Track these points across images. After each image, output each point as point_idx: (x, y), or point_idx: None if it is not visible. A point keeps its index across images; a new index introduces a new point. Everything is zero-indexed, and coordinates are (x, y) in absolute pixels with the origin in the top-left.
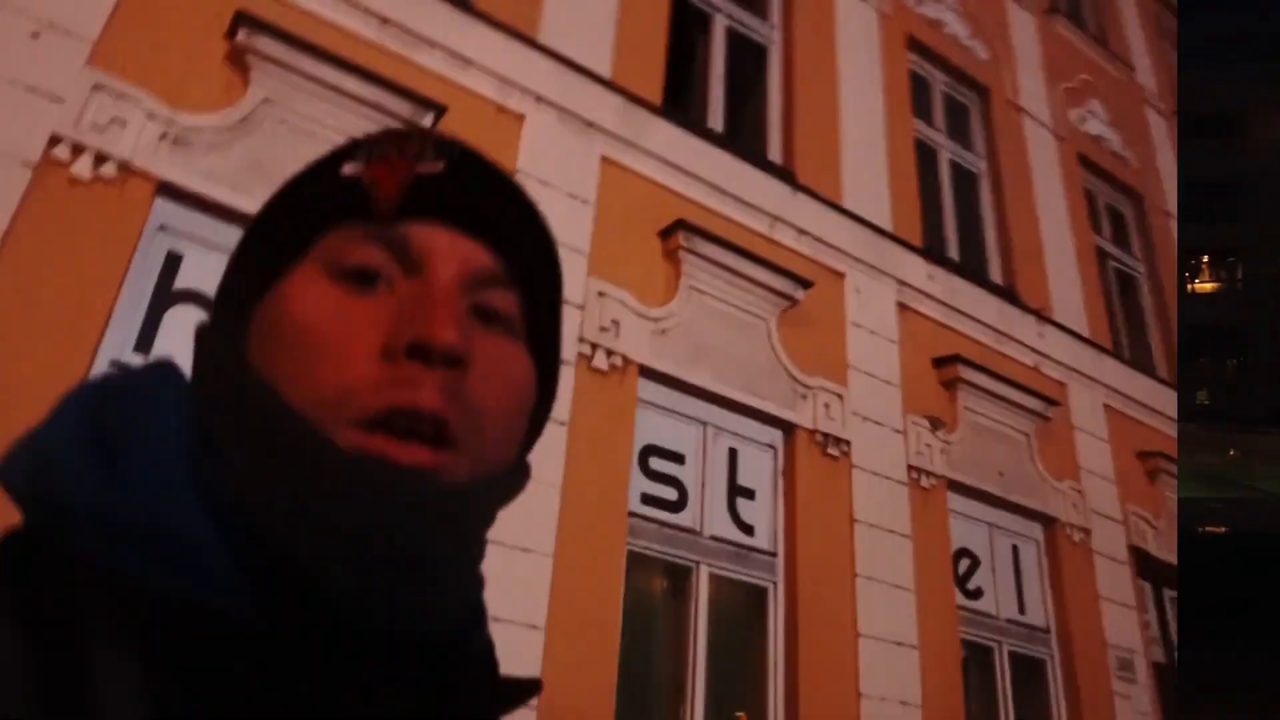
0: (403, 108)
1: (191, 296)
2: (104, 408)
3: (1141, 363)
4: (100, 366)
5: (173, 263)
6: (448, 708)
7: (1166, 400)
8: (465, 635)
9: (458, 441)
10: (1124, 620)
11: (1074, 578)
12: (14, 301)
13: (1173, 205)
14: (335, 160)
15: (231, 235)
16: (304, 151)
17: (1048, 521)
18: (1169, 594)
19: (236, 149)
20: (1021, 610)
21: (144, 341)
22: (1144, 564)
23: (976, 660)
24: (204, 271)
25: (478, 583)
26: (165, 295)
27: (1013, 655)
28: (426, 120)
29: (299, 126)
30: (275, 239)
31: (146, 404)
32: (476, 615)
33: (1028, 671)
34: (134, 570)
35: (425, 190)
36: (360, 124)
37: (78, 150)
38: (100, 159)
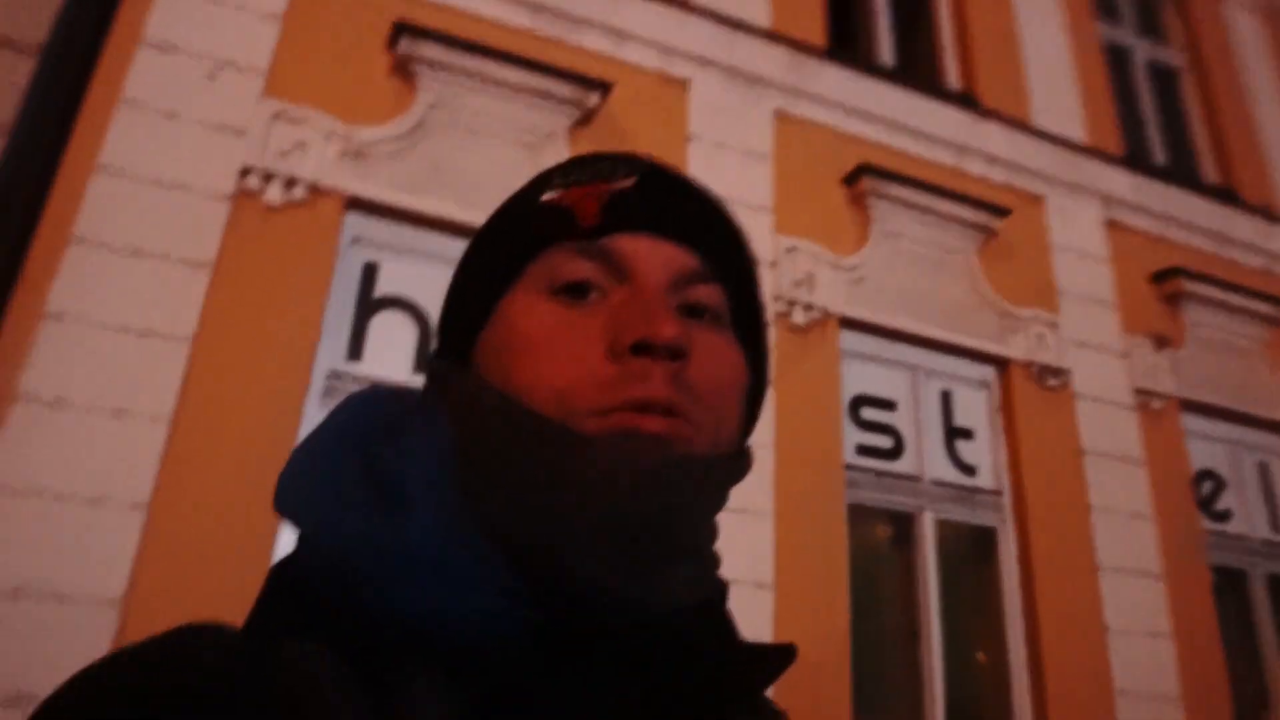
0: (567, 91)
1: (392, 302)
2: (374, 449)
3: None
4: (319, 377)
5: (370, 272)
6: (718, 683)
7: None
8: (718, 610)
9: (690, 419)
10: None
11: None
12: (234, 326)
13: None
14: (535, 190)
15: (420, 238)
16: (477, 147)
17: None
18: None
19: (413, 154)
20: (1276, 529)
21: (355, 349)
22: None
23: (1230, 585)
24: (400, 277)
25: (715, 561)
26: (367, 303)
27: (1270, 577)
28: (593, 99)
29: (469, 124)
30: (491, 269)
31: (417, 442)
32: (722, 593)
33: None
34: (422, 605)
35: (622, 205)
36: (527, 113)
37: (267, 177)
38: (290, 183)
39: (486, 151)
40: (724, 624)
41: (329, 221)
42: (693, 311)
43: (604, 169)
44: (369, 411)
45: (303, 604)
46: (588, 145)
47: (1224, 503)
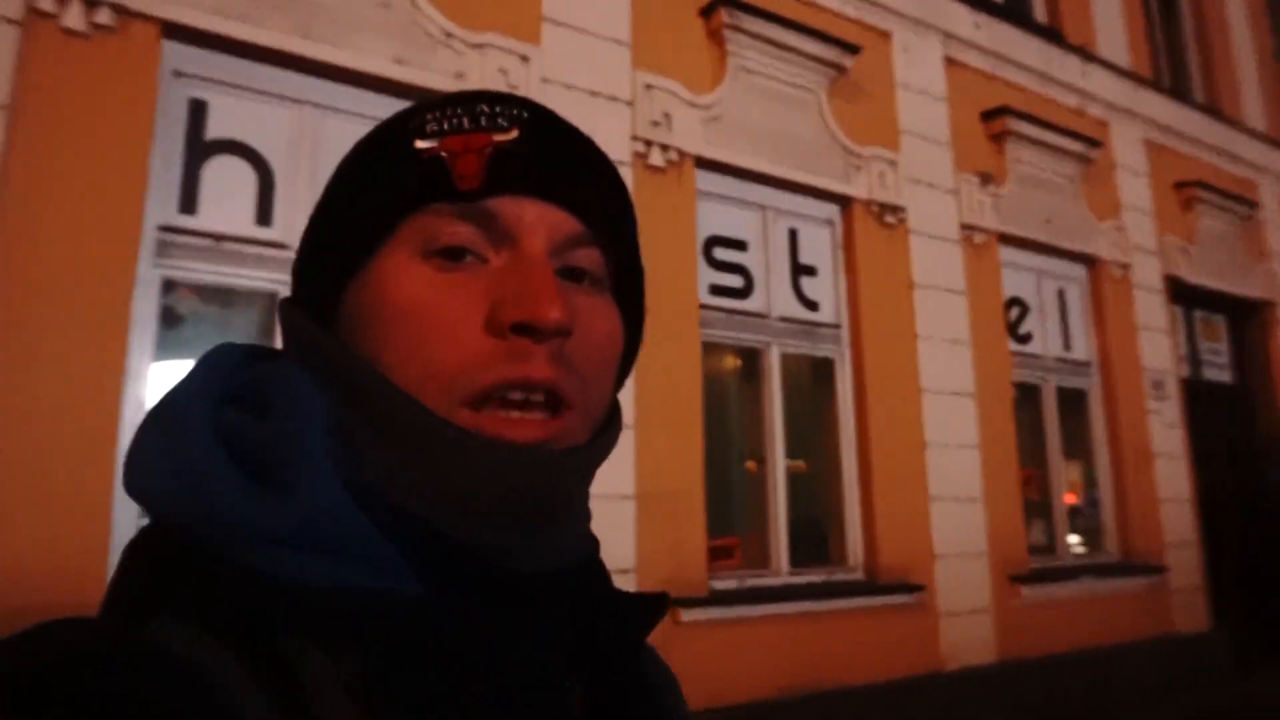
0: None
1: (228, 146)
2: (240, 418)
3: (1180, 89)
4: (149, 231)
5: (198, 111)
6: (598, 631)
7: (1203, 126)
8: (591, 561)
9: (570, 403)
10: (1157, 345)
11: (1114, 312)
12: (43, 177)
13: None
14: (407, 132)
15: (255, 73)
16: None
17: (1091, 262)
18: (1198, 314)
19: None
20: (1067, 348)
21: (188, 200)
22: (1177, 289)
23: (1026, 398)
24: (235, 117)
25: (587, 516)
26: (199, 148)
27: (1059, 390)
28: None
29: None
30: (359, 220)
31: (285, 411)
32: (594, 543)
33: (1072, 402)
34: (306, 574)
35: (506, 163)
36: None
37: None
38: (91, 3)
39: None
40: (600, 578)
41: (144, 51)
42: (572, 274)
43: (483, 115)
44: (225, 377)
45: (171, 586)
46: None
47: (1026, 326)
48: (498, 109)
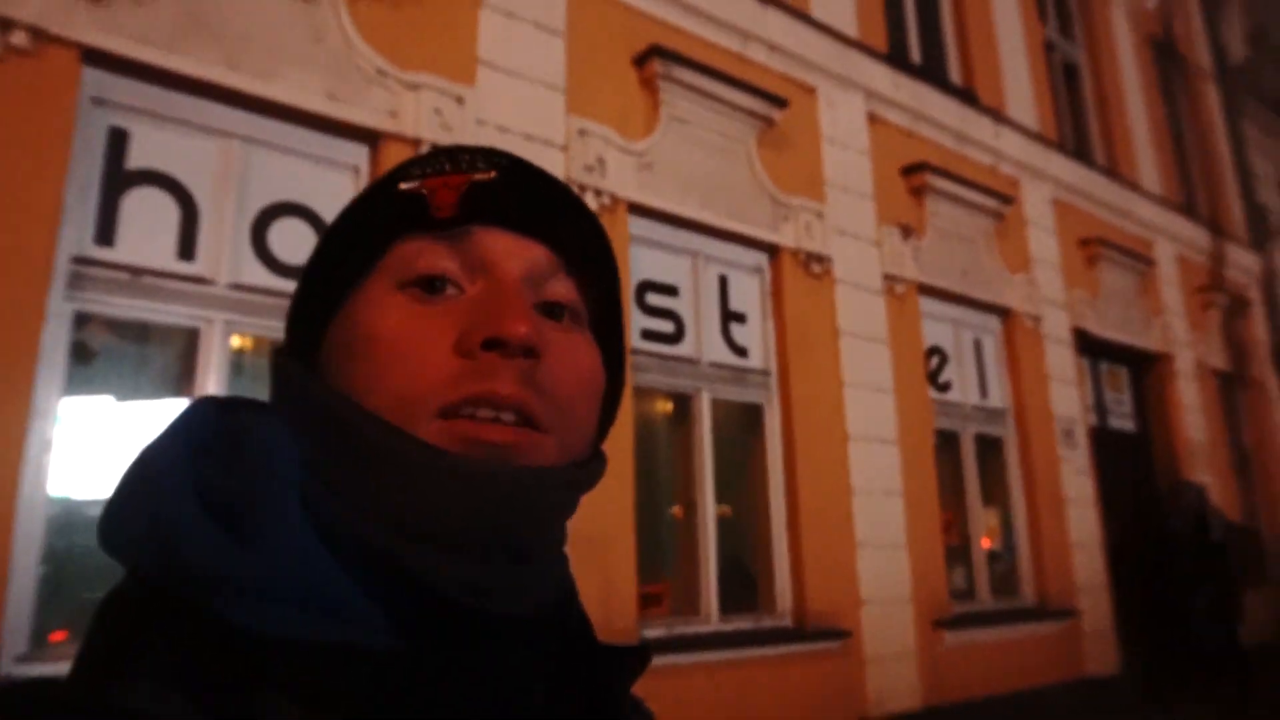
0: None
1: (149, 177)
2: (213, 470)
3: (1083, 152)
4: (62, 263)
5: (118, 140)
6: (572, 681)
7: (1104, 187)
8: (564, 611)
9: (541, 423)
10: (1067, 394)
11: (1027, 361)
12: None
13: None
14: (392, 179)
15: (180, 103)
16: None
17: (1004, 313)
18: (1103, 365)
19: (164, 2)
20: (983, 395)
21: (105, 231)
22: (1084, 341)
23: (946, 445)
24: (158, 148)
25: (564, 561)
26: (118, 177)
27: (977, 436)
28: None
29: None
30: (339, 259)
31: (258, 460)
32: (571, 593)
33: (989, 449)
34: (276, 627)
35: (481, 197)
36: None
37: None
38: (5, 24)
39: (252, 1)
40: (578, 623)
41: (63, 77)
42: (550, 310)
43: (464, 160)
44: (199, 429)
45: (143, 644)
46: (371, 4)
47: (946, 375)
48: (479, 157)
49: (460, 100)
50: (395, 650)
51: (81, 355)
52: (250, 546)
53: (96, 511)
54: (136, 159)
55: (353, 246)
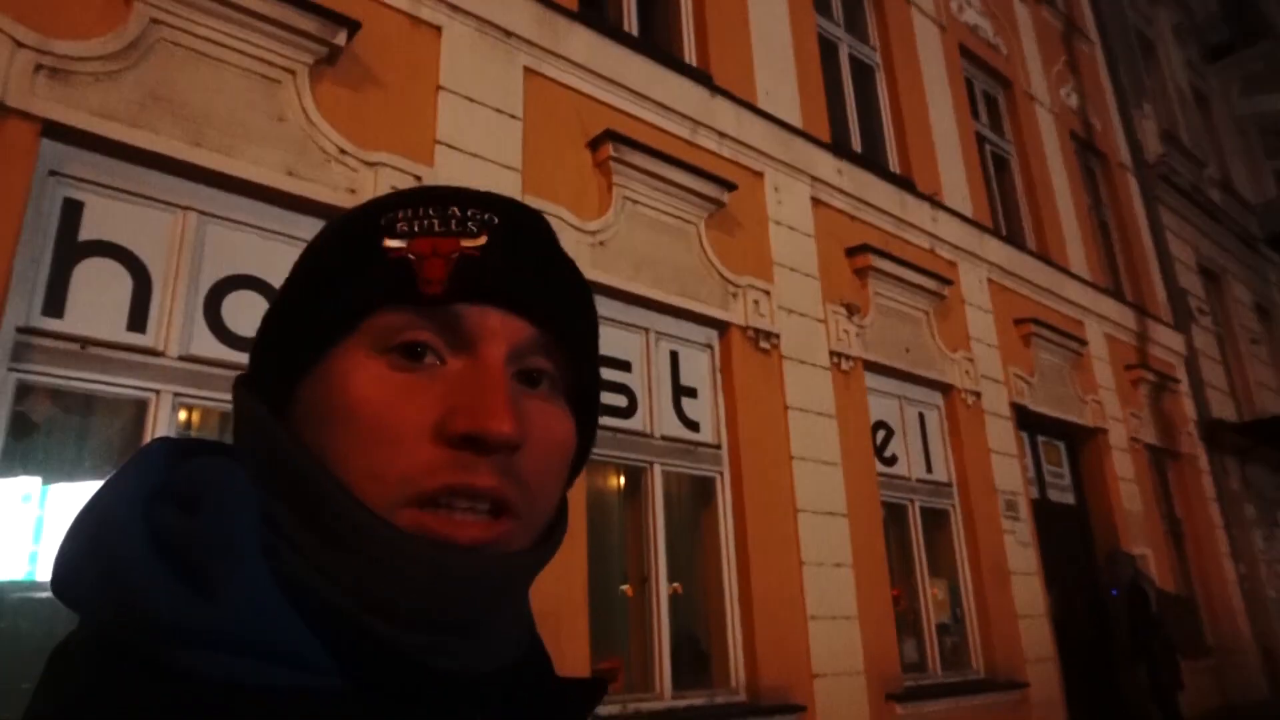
0: (312, 24)
1: (101, 248)
2: (169, 516)
3: (1015, 238)
4: (7, 333)
5: (72, 211)
6: None
7: (1037, 270)
8: (530, 656)
9: (512, 512)
10: (1008, 468)
11: (969, 436)
12: None
13: (1038, 90)
14: (376, 230)
15: (136, 176)
16: (206, 74)
17: (946, 389)
18: (1041, 439)
19: (128, 78)
20: (929, 469)
21: (54, 301)
22: (1022, 417)
23: (894, 517)
24: (111, 220)
25: (530, 621)
26: (70, 248)
27: (922, 509)
28: (339, 37)
29: (196, 49)
30: (322, 316)
31: (215, 506)
32: (533, 641)
33: (936, 520)
34: (233, 675)
35: (471, 271)
36: (266, 44)
37: None
38: None
39: (216, 81)
40: (541, 669)
41: (20, 148)
42: (529, 378)
43: (454, 220)
44: (156, 473)
45: (95, 690)
46: (333, 87)
47: (892, 449)
48: (469, 213)
49: (419, 179)
50: (350, 696)
51: (22, 427)
52: (207, 595)
53: (24, 594)
54: (90, 230)
55: (334, 302)
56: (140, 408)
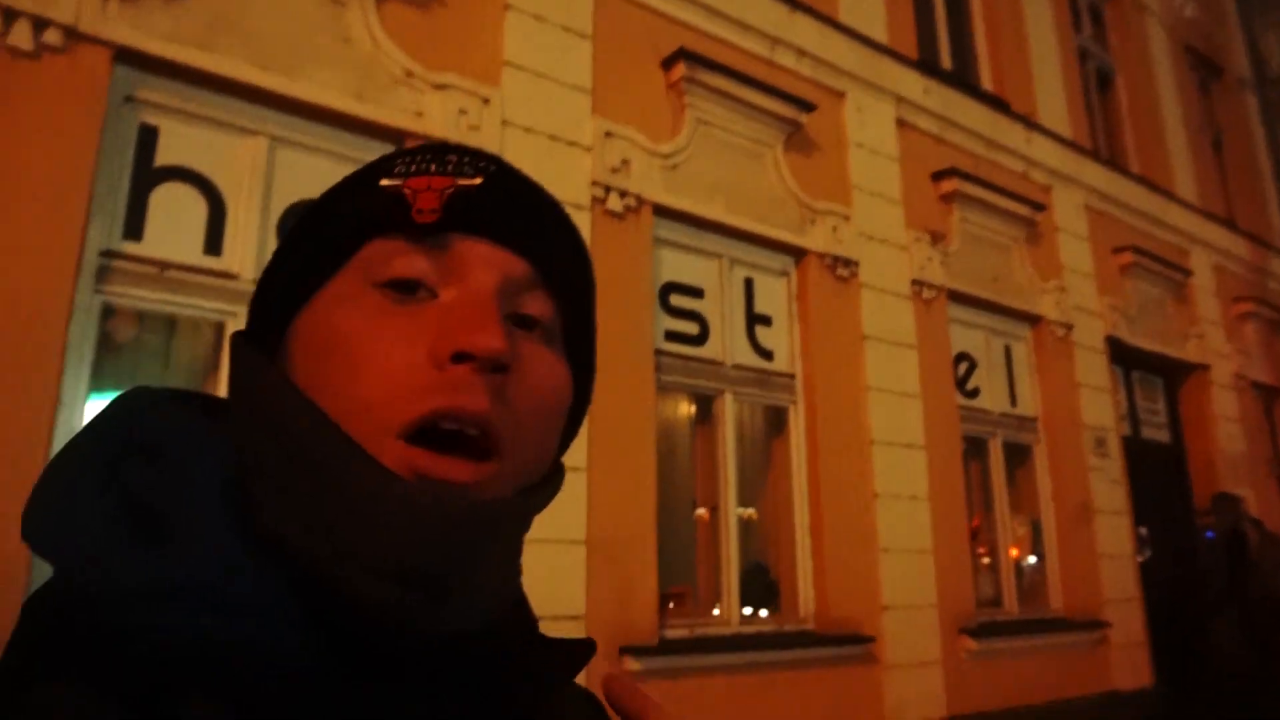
0: None
1: (177, 173)
2: (135, 470)
3: (1117, 160)
4: (91, 257)
5: (148, 137)
6: (510, 689)
7: (1139, 195)
8: (513, 614)
9: (502, 447)
10: (1099, 403)
11: (1058, 369)
12: None
13: None
14: (374, 173)
15: (207, 101)
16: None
17: (1034, 320)
18: (1137, 374)
19: (194, 2)
20: (1013, 403)
21: (133, 226)
22: (1117, 350)
23: (974, 451)
24: (186, 145)
25: (517, 576)
26: (147, 174)
27: (1005, 444)
28: None
29: None
30: (313, 249)
31: (180, 461)
32: (518, 602)
33: (1018, 456)
34: (192, 633)
35: (464, 203)
36: None
37: (10, 15)
38: (40, 23)
39: (282, 1)
40: (524, 631)
41: (94, 75)
42: (523, 323)
43: (451, 163)
44: (131, 424)
45: (62, 641)
46: (399, 7)
47: (974, 381)
48: (466, 159)
49: (486, 101)
50: (316, 651)
51: (108, 347)
52: (164, 549)
53: None
54: (165, 155)
55: (327, 238)
56: (218, 330)
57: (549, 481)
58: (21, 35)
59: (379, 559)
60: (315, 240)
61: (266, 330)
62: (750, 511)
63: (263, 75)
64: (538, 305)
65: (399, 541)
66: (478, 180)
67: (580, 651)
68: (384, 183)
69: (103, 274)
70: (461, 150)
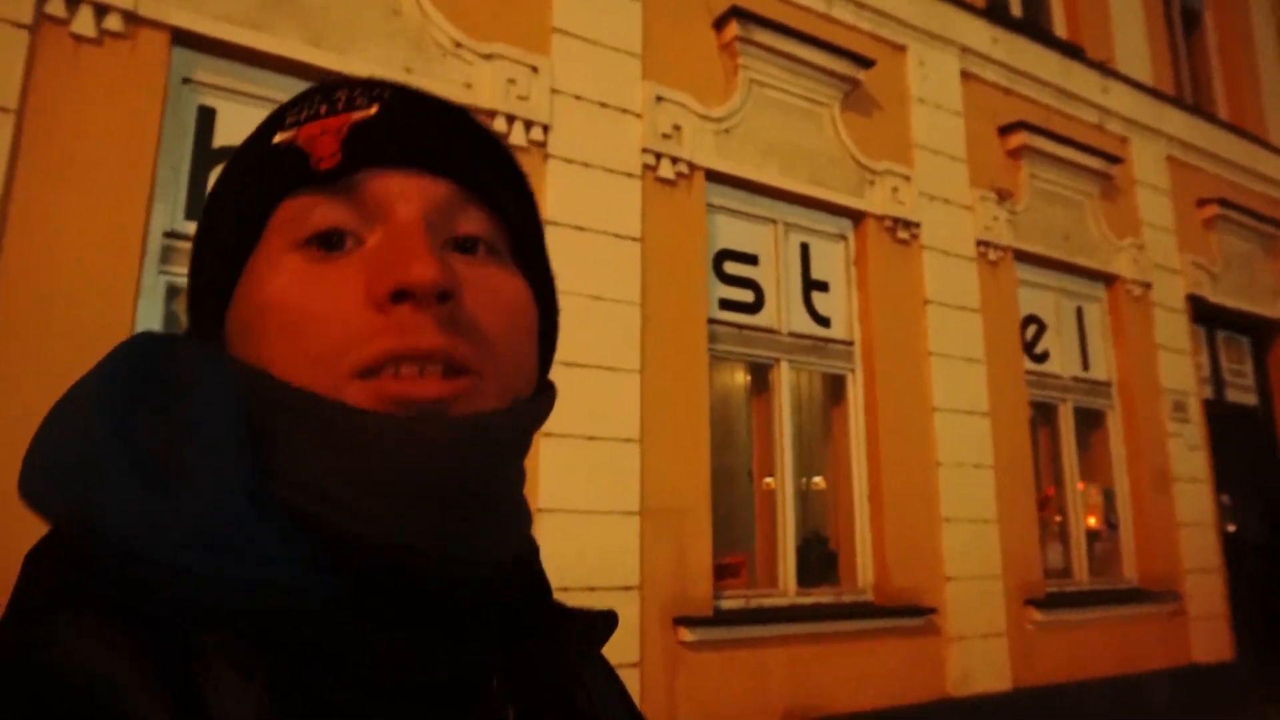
0: None
1: None
2: (146, 416)
3: (1203, 106)
4: (154, 238)
5: (207, 118)
6: (533, 651)
7: (1228, 143)
8: (527, 569)
9: (473, 368)
10: (1179, 366)
11: (1134, 331)
12: (47, 180)
13: None
14: (267, 132)
15: (263, 80)
16: None
17: (1109, 280)
18: (1221, 335)
19: None
20: (1085, 367)
21: (196, 208)
22: (1199, 309)
23: (1043, 417)
24: (244, 124)
25: (525, 513)
26: (207, 154)
27: (1076, 409)
28: None
29: None
30: (227, 228)
31: (194, 408)
32: (532, 549)
33: (1091, 422)
34: (211, 573)
35: (364, 138)
36: None
37: (73, 2)
38: (101, 9)
39: None
40: (539, 590)
41: (153, 58)
42: (463, 245)
43: (340, 99)
44: (136, 367)
45: (72, 588)
46: None
47: (1043, 345)
48: (358, 90)
49: (535, 69)
50: (339, 594)
51: (174, 327)
52: (174, 494)
53: None
54: (224, 136)
55: (237, 211)
56: None
57: (538, 399)
58: (85, 22)
59: (372, 496)
60: (226, 217)
61: (204, 321)
62: (812, 480)
63: (315, 53)
64: (473, 224)
65: (387, 472)
66: (373, 110)
67: (604, 623)
68: (277, 139)
69: (166, 255)
70: (351, 83)
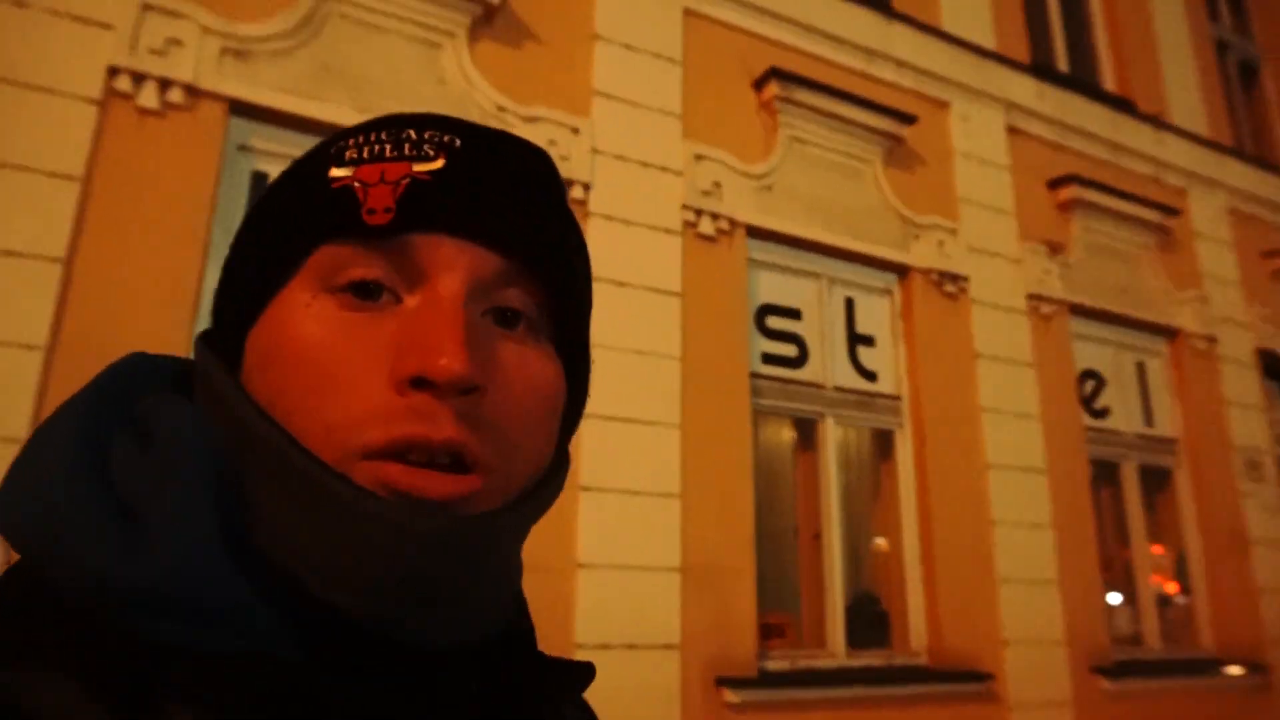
0: None
1: None
2: (124, 448)
3: (1266, 157)
4: (207, 298)
5: (260, 182)
6: (505, 705)
7: None
8: (508, 635)
9: (481, 465)
10: (1251, 422)
11: (1199, 386)
12: (109, 244)
13: None
14: (325, 160)
15: (310, 146)
16: (371, 45)
17: (1171, 333)
18: None
19: (302, 53)
20: (1149, 423)
21: None
22: (1271, 364)
23: (1106, 476)
24: None
25: (515, 585)
26: None
27: (1141, 467)
28: None
29: (361, 18)
30: (266, 255)
31: (168, 454)
32: (519, 610)
33: (1157, 481)
34: (175, 641)
35: (420, 196)
36: (424, 8)
37: (139, 79)
38: (165, 84)
39: (381, 49)
40: (523, 645)
41: (212, 127)
42: (504, 317)
43: (407, 142)
44: (116, 403)
45: (33, 631)
46: (490, 45)
47: (1103, 400)
48: (426, 135)
49: (576, 131)
50: (303, 666)
51: None
52: (143, 543)
53: None
54: None
55: (276, 243)
56: None
57: (548, 482)
58: (149, 96)
59: (363, 580)
60: (267, 240)
61: (229, 331)
62: (861, 539)
63: (362, 119)
64: (517, 298)
65: (383, 562)
66: (438, 163)
67: (578, 674)
68: (333, 173)
69: None
70: (422, 122)
